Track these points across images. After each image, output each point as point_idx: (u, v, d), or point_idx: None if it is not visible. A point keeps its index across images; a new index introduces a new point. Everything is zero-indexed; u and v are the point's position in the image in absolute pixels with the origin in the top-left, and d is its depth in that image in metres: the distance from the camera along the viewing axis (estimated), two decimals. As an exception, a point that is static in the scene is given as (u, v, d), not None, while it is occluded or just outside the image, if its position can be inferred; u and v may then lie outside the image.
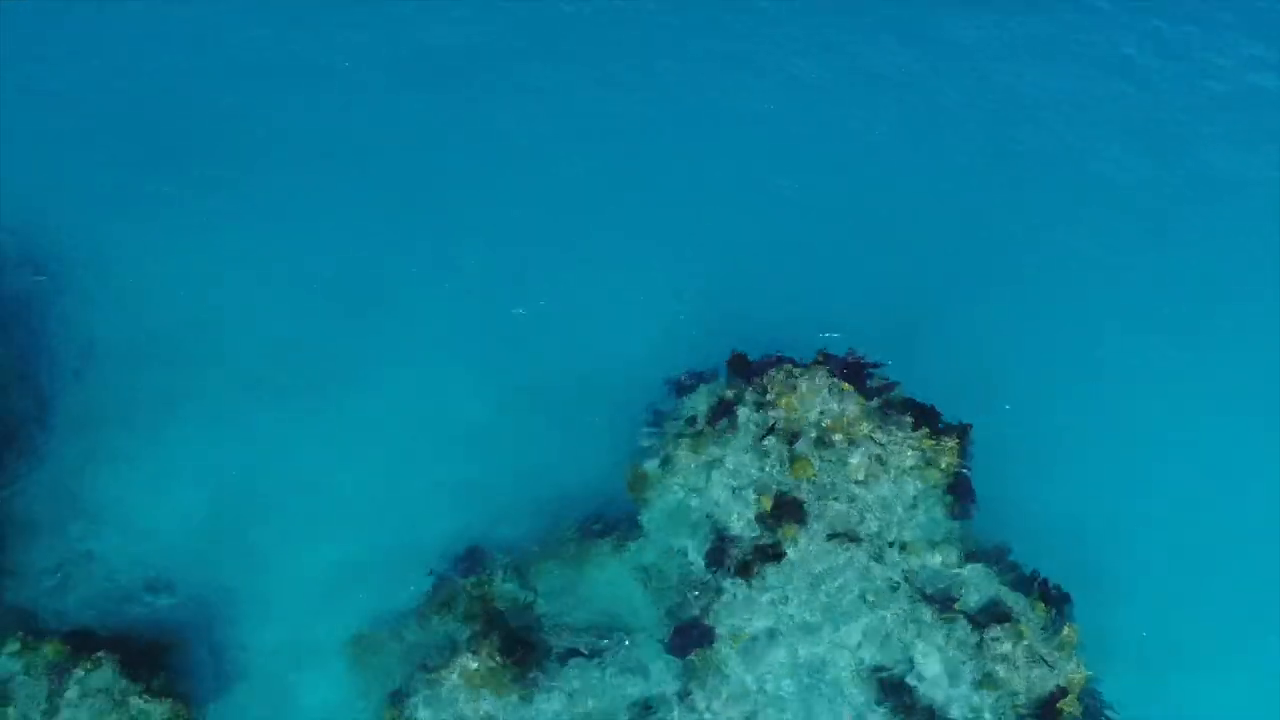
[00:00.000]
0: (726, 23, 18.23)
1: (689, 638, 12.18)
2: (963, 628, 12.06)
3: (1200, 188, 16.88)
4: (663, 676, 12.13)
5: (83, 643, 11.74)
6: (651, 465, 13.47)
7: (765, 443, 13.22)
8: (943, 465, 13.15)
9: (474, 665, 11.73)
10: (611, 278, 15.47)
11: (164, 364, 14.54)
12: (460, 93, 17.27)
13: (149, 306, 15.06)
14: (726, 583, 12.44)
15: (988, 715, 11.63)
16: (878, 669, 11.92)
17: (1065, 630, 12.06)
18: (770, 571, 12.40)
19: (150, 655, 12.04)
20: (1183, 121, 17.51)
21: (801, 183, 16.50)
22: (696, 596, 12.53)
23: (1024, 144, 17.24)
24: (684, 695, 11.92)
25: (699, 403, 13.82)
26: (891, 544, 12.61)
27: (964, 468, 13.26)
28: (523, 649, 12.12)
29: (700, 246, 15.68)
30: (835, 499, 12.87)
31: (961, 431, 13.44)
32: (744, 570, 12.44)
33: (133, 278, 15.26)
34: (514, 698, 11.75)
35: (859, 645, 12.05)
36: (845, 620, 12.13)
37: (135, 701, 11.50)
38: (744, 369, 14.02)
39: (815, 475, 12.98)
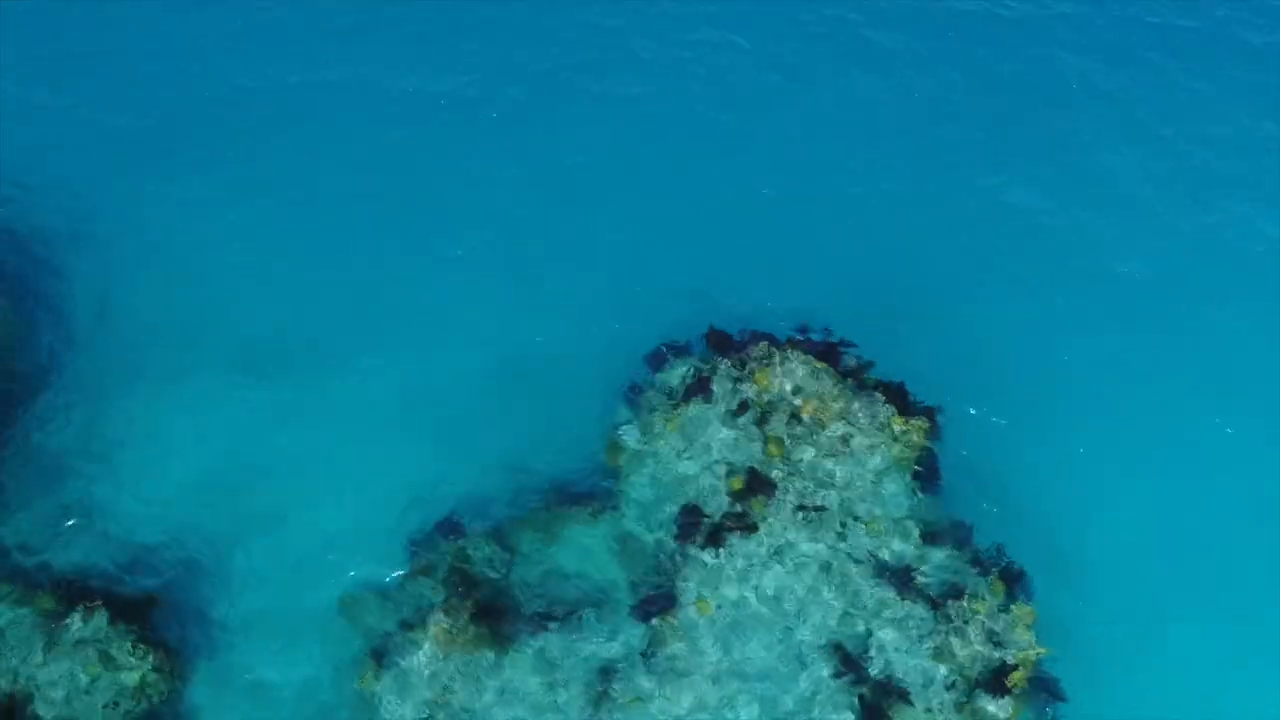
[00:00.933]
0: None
1: (656, 604, 12.61)
2: (921, 603, 12.45)
3: (1200, 186, 17.08)
4: (630, 641, 12.56)
5: (75, 595, 12.23)
6: (628, 437, 13.85)
7: (739, 418, 13.57)
8: (911, 444, 13.48)
9: (447, 625, 12.21)
10: (597, 260, 15.90)
11: (168, 337, 15.01)
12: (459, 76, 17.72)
13: (158, 281, 15.55)
14: (694, 552, 12.85)
15: (940, 686, 12.05)
16: (835, 641, 12.33)
17: (1020, 609, 12.44)
18: (737, 542, 12.80)
19: (140, 611, 12.48)
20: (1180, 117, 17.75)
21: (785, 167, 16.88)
22: (666, 565, 12.95)
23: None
24: (648, 659, 12.35)
25: (676, 377, 14.18)
26: (856, 519, 12.98)
27: (932, 448, 13.60)
28: (496, 612, 12.58)
29: (686, 231, 16.10)
30: (804, 474, 13.24)
31: (931, 412, 13.77)
32: (712, 540, 12.84)
33: (142, 250, 15.79)
34: (486, 658, 12.23)
35: (819, 617, 12.45)
36: (807, 592, 12.54)
37: (123, 653, 12.01)
38: (722, 345, 14.36)
39: (786, 451, 13.34)
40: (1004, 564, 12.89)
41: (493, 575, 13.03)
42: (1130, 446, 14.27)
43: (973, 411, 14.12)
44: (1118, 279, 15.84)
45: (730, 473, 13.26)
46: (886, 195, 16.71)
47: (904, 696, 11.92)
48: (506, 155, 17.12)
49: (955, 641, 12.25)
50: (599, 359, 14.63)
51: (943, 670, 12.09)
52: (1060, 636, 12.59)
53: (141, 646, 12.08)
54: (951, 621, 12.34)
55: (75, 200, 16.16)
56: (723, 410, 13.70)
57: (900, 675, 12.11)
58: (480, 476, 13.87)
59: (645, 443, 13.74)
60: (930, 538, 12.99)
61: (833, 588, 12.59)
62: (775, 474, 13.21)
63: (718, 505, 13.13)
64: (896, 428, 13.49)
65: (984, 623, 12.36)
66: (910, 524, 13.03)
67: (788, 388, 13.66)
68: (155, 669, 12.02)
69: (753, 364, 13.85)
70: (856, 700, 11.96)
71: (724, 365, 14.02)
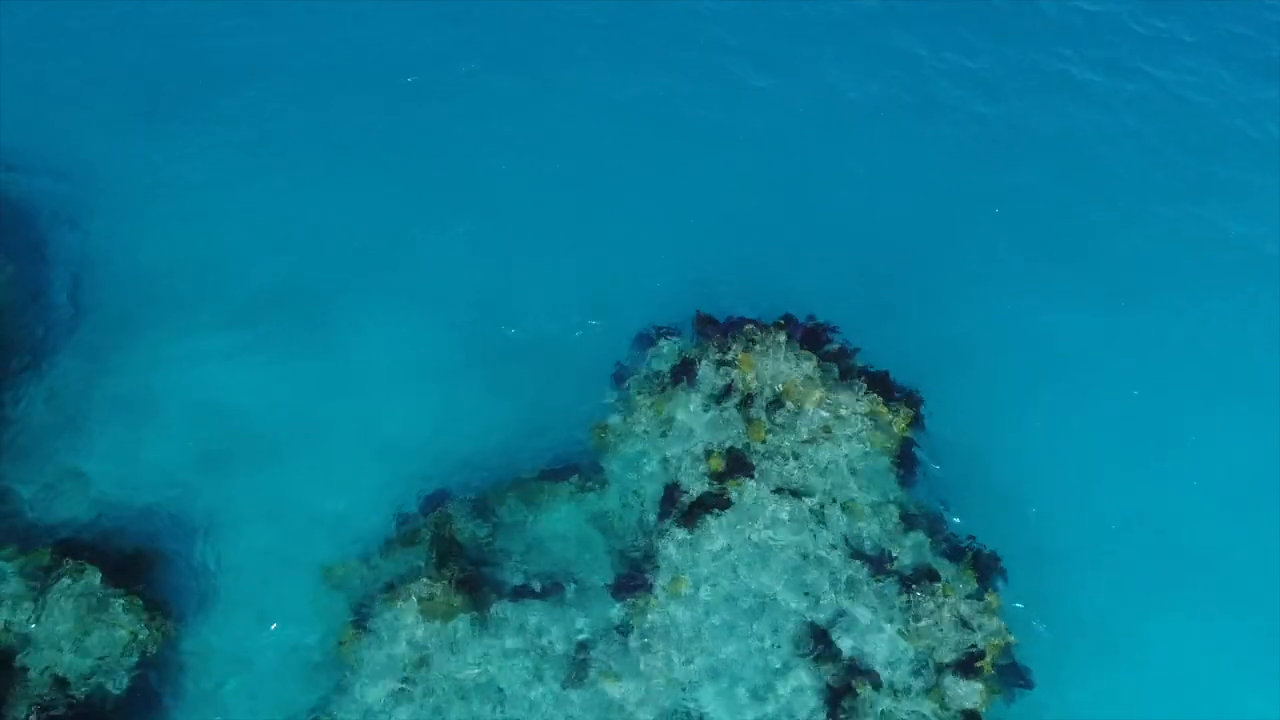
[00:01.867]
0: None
1: (634, 581, 12.85)
2: (893, 587, 12.62)
3: (1198, 184, 17.11)
4: (607, 616, 12.81)
5: (69, 551, 12.59)
6: (614, 417, 14.09)
7: (723, 401, 13.76)
8: (893, 431, 13.63)
9: (427, 593, 12.50)
10: (594, 243, 16.18)
11: (165, 297, 15.38)
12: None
13: (155, 242, 15.91)
14: (673, 530, 13.07)
15: (908, 668, 12.23)
16: (808, 621, 12.53)
17: (992, 596, 12.59)
18: (715, 522, 13.01)
19: (132, 567, 12.84)
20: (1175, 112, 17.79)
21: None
22: (646, 542, 13.18)
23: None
24: (625, 633, 12.60)
25: (662, 359, 14.39)
26: (834, 502, 13.16)
27: (913, 435, 13.74)
28: (477, 581, 12.87)
29: (677, 216, 16.35)
30: (785, 458, 13.43)
31: (913, 399, 13.91)
32: (691, 519, 13.06)
33: (139, 211, 16.16)
34: (464, 626, 12.52)
35: (793, 597, 12.65)
36: (783, 571, 12.74)
37: (117, 607, 12.39)
38: (708, 328, 14.54)
39: (768, 434, 13.52)
40: (977, 550, 13.03)
41: (476, 546, 13.31)
42: (1111, 436, 14.42)
43: (955, 399, 14.24)
44: (1102, 265, 15.95)
45: (711, 454, 13.46)
46: (872, 183, 16.89)
47: (872, 677, 12.11)
48: (503, 136, 17.38)
49: (926, 625, 12.41)
50: (589, 339, 14.87)
51: (912, 653, 12.26)
52: (1030, 624, 12.75)
53: (134, 602, 12.45)
54: (923, 605, 12.50)
55: (73, 165, 16.52)
56: (707, 393, 13.90)
57: (869, 656, 12.29)
58: (468, 449, 14.16)
59: (630, 422, 13.96)
60: (907, 522, 13.15)
61: (808, 569, 12.79)
62: (756, 456, 13.40)
63: (698, 485, 13.34)
64: (878, 414, 13.64)
65: (956, 607, 12.52)
66: (888, 508, 13.20)
67: (770, 372, 13.84)
68: (146, 625, 12.38)
69: (736, 348, 14.03)
70: (826, 680, 12.16)
71: (710, 349, 14.21)
